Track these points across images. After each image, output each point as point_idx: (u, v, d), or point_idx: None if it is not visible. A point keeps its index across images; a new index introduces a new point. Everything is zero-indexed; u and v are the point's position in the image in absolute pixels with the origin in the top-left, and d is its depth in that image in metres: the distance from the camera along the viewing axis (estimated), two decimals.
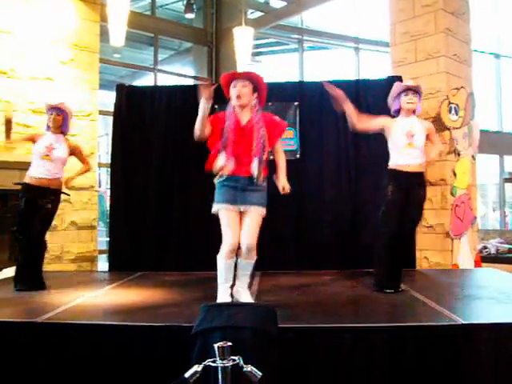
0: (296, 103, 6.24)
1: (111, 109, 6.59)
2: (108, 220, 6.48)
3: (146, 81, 10.77)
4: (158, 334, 3.19)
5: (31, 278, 4.65)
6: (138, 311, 3.76)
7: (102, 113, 7.32)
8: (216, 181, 3.76)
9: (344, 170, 6.17)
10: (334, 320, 3.39)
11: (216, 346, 1.91)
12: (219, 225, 6.13)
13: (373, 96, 6.22)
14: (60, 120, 4.79)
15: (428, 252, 6.17)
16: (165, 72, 10.09)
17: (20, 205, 4.71)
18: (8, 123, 5.23)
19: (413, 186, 4.37)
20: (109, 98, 7.21)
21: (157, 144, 6.34)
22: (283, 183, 3.77)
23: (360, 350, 3.07)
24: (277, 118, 3.99)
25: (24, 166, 5.73)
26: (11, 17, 6.15)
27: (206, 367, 1.92)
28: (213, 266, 5.92)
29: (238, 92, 3.69)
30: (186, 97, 6.47)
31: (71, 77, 6.61)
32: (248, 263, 3.76)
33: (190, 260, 6.04)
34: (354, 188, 6.14)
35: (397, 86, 4.55)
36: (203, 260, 6.05)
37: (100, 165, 8.15)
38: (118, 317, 3.65)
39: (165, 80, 9.89)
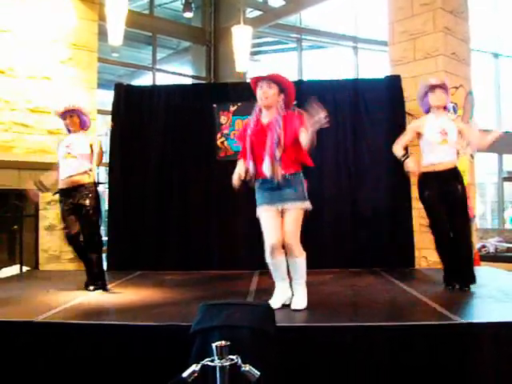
0: (294, 102, 6.22)
1: (110, 108, 6.58)
2: (107, 219, 6.47)
3: (144, 80, 10.76)
4: (156, 333, 3.19)
5: (95, 276, 4.65)
6: (137, 310, 3.76)
7: (100, 112, 7.31)
8: (254, 185, 3.80)
9: (344, 168, 6.17)
10: (334, 319, 3.39)
11: (214, 345, 1.91)
12: (218, 223, 6.18)
13: (371, 95, 6.23)
14: (76, 121, 4.75)
15: (427, 251, 6.15)
16: (163, 71, 10.08)
17: (60, 211, 4.71)
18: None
19: (448, 182, 4.35)
20: (107, 98, 7.20)
21: (155, 143, 6.34)
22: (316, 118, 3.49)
23: (360, 350, 3.07)
24: (295, 111, 3.85)
25: (23, 166, 5.75)
26: (9, 16, 6.14)
27: (203, 366, 1.91)
28: (212, 265, 5.96)
29: (263, 93, 3.72)
30: (184, 96, 6.48)
31: (69, 76, 6.59)
32: (294, 261, 3.74)
33: (188, 259, 6.04)
34: (353, 186, 6.14)
35: (422, 87, 4.52)
36: (202, 259, 6.08)
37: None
38: (116, 316, 3.65)
39: (163, 79, 9.87)
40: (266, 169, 3.62)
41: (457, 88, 6.56)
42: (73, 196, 4.61)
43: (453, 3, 6.69)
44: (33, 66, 6.27)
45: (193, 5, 10.19)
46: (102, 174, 10.00)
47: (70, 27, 6.62)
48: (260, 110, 3.81)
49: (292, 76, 10.67)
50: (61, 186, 4.69)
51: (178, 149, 6.26)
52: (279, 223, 3.70)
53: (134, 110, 6.45)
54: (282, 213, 3.71)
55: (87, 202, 4.61)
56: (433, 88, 4.41)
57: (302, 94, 6.27)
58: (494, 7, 12.80)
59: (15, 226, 5.95)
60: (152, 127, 6.39)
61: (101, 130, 6.83)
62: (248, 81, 3.94)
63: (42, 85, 6.32)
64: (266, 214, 3.71)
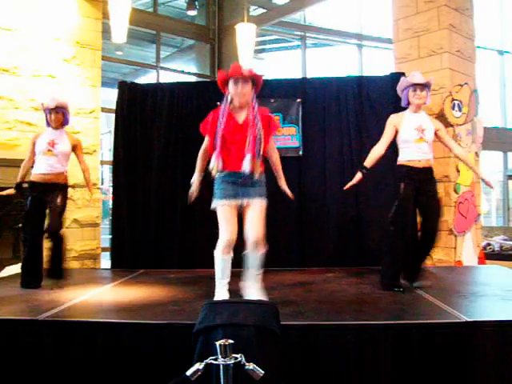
0: (298, 100, 6.22)
1: (114, 106, 6.58)
2: (111, 217, 6.47)
3: (148, 78, 10.77)
4: (160, 331, 3.18)
5: (38, 276, 4.64)
6: (141, 309, 3.75)
7: (104, 110, 7.32)
8: (215, 177, 3.79)
9: (347, 166, 6.14)
10: (338, 318, 3.38)
11: (218, 343, 1.90)
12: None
13: (376, 93, 6.20)
14: (61, 118, 4.76)
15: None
16: (167, 69, 10.07)
17: (26, 203, 4.68)
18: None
19: (424, 181, 4.31)
20: (111, 96, 7.20)
21: (159, 141, 6.33)
22: (285, 188, 3.92)
23: (364, 348, 3.06)
24: (270, 114, 4.00)
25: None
26: (13, 14, 6.14)
27: (207, 365, 1.91)
28: (214, 264, 5.94)
29: (242, 91, 3.71)
30: (188, 94, 6.47)
31: (73, 74, 6.60)
32: (256, 256, 3.75)
33: (192, 257, 6.03)
34: (357, 184, 6.10)
35: (404, 81, 4.47)
36: (205, 257, 6.04)
37: (103, 162, 8.14)
38: (120, 315, 3.64)
39: (167, 77, 9.87)
40: (247, 165, 3.63)
41: (462, 86, 6.53)
42: (45, 192, 4.61)
43: (457, 0, 6.66)
44: (37, 64, 6.28)
45: (196, 3, 10.18)
46: (106, 173, 10.04)
47: (73, 25, 6.63)
48: (230, 105, 3.78)
49: (296, 74, 10.68)
50: (33, 179, 4.68)
51: (182, 147, 6.25)
52: (236, 219, 3.74)
53: (138, 108, 6.44)
54: (244, 209, 3.74)
55: (58, 200, 4.63)
56: (415, 85, 4.35)
57: (306, 91, 6.32)
58: (499, 4, 12.74)
59: (19, 225, 5.95)
60: (156, 125, 6.38)
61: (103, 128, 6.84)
62: None
63: (46, 83, 6.33)
64: (225, 209, 3.73)
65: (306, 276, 5.23)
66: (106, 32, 6.84)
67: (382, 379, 3.04)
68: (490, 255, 8.32)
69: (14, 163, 5.79)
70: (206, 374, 1.94)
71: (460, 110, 6.50)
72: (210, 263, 6.02)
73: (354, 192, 6.10)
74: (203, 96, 6.39)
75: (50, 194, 4.62)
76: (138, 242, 6.17)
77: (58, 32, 6.48)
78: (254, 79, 3.76)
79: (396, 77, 6.31)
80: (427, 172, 4.34)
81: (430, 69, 6.41)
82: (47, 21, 6.38)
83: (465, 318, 3.18)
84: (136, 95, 6.48)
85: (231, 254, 3.77)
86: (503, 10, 12.75)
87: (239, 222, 3.80)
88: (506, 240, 9.54)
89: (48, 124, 4.80)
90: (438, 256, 6.31)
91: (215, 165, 3.69)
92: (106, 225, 8.42)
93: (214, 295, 3.80)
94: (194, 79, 10.33)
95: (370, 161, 4.42)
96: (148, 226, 6.21)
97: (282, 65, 12.05)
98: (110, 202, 6.54)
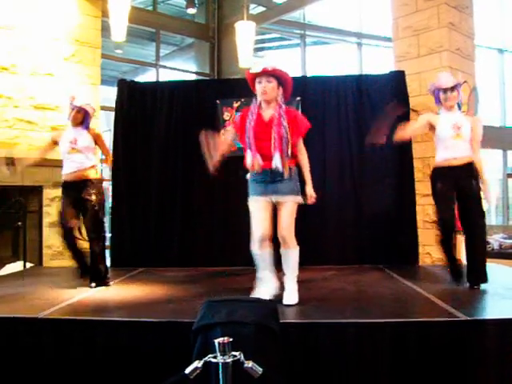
0: (298, 98, 6.21)
1: (113, 104, 6.58)
2: (110, 216, 6.47)
3: (147, 76, 10.76)
4: (159, 329, 3.18)
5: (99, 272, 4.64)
6: (140, 307, 3.75)
7: (104, 108, 7.32)
8: (248, 177, 3.84)
9: (347, 164, 6.15)
10: (337, 316, 3.38)
11: (217, 341, 1.90)
12: (221, 220, 6.16)
13: (375, 91, 6.19)
14: (80, 118, 4.70)
15: (431, 248, 6.13)
16: (167, 67, 10.07)
17: (61, 204, 4.68)
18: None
19: (462, 178, 4.26)
20: (111, 94, 7.20)
21: (158, 139, 6.33)
22: (309, 192, 3.85)
23: (364, 346, 3.06)
24: (301, 115, 4.02)
25: (26, 162, 5.74)
26: (13, 13, 6.14)
27: (206, 363, 1.91)
28: (214, 262, 5.95)
29: (263, 88, 3.73)
30: (187, 92, 6.46)
31: (73, 72, 6.60)
32: (287, 253, 3.77)
33: (191, 255, 6.03)
34: (357, 182, 6.11)
35: (432, 86, 4.48)
36: (205, 256, 6.08)
37: (102, 161, 8.13)
38: (119, 313, 3.64)
39: (167, 75, 9.87)
40: (277, 162, 3.64)
41: (461, 84, 6.52)
42: (78, 190, 4.58)
43: None
44: (36, 62, 6.28)
45: (196, 1, 10.19)
46: (106, 171, 10.02)
47: (73, 24, 6.63)
48: (260, 104, 3.82)
49: (295, 72, 10.66)
50: (65, 178, 4.67)
51: (182, 145, 6.25)
52: (269, 215, 3.75)
53: (138, 107, 6.43)
54: (275, 206, 3.75)
55: (93, 197, 4.58)
56: (445, 90, 4.35)
57: (305, 90, 6.31)
58: (499, 2, 12.72)
59: (19, 223, 5.94)
60: (155, 124, 6.38)
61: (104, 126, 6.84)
62: None
63: (46, 81, 6.33)
64: (257, 205, 3.76)
65: (306, 274, 5.20)
66: (105, 30, 6.83)
67: (382, 377, 3.04)
68: (489, 253, 8.30)
69: (14, 162, 5.79)
70: (205, 372, 1.94)
71: (459, 108, 6.48)
72: (209, 261, 6.05)
73: (354, 190, 6.12)
74: (203, 94, 6.40)
75: (82, 191, 4.57)
76: (137, 241, 6.17)
77: (58, 30, 6.48)
78: (278, 77, 3.77)
79: (395, 75, 6.34)
80: (466, 169, 4.27)
81: (429, 67, 6.41)
82: (46, 19, 6.38)
83: (464, 317, 3.18)
84: (135, 93, 6.48)
85: (268, 249, 3.78)
86: (503, 8, 12.74)
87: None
88: (505, 238, 9.55)
89: (68, 119, 4.76)
90: (437, 254, 6.30)
91: (255, 162, 3.69)
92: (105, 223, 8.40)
93: (213, 294, 3.80)
94: (193, 77, 10.33)
95: (396, 133, 4.38)
96: (148, 225, 6.21)
97: (281, 63, 11.99)
98: (110, 201, 6.53)
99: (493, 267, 5.78)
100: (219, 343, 1.89)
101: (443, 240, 4.40)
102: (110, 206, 6.48)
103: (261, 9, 10.65)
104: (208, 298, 2.83)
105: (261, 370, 1.90)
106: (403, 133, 4.44)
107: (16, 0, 6.17)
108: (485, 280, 4.30)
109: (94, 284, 4.58)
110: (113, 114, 6.59)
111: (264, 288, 3.77)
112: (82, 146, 4.64)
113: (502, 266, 5.73)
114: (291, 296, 3.73)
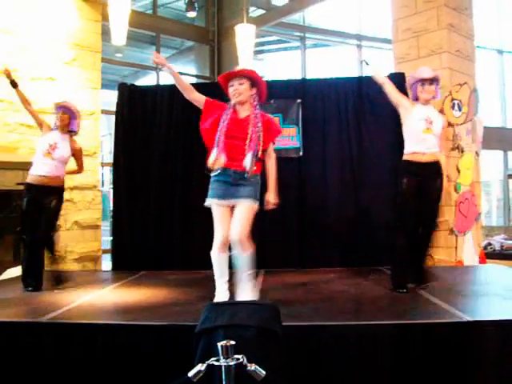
0: (298, 101, 6.23)
1: (114, 108, 6.59)
2: (111, 219, 6.48)
3: (147, 80, 10.77)
4: (161, 333, 3.18)
5: (37, 277, 4.65)
6: (142, 310, 3.76)
7: (104, 112, 7.32)
8: (211, 176, 3.78)
9: (347, 167, 6.15)
10: (339, 318, 3.38)
11: (219, 344, 1.90)
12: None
13: (376, 93, 6.15)
14: (66, 119, 4.79)
15: (432, 249, 6.14)
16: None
17: (23, 205, 4.72)
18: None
19: (429, 176, 4.26)
20: (111, 98, 7.21)
21: (159, 143, 6.34)
22: (271, 198, 3.75)
23: (366, 348, 3.06)
24: (274, 120, 4.01)
25: (27, 167, 5.75)
26: (13, 17, 6.15)
27: (209, 366, 1.91)
28: None
29: (235, 89, 3.74)
30: None
31: (73, 76, 6.61)
32: (241, 257, 3.67)
33: (193, 258, 6.03)
34: (357, 185, 6.12)
35: (411, 78, 4.47)
36: (206, 258, 6.05)
37: (103, 164, 8.15)
38: (121, 316, 3.65)
39: (167, 79, 9.86)
40: (248, 162, 3.61)
41: (461, 85, 6.53)
42: (40, 194, 4.65)
43: (456, 0, 6.67)
44: (37, 66, 6.28)
45: (196, 4, 10.18)
46: (107, 175, 10.04)
47: (73, 28, 6.64)
48: (234, 107, 3.79)
49: (296, 74, 10.68)
50: (30, 181, 4.71)
51: (182, 148, 6.26)
52: (229, 219, 3.70)
53: (138, 110, 6.45)
54: (232, 208, 3.72)
55: (53, 204, 4.68)
56: (423, 81, 4.33)
57: (305, 92, 6.32)
58: (498, 3, 12.74)
59: (20, 227, 5.95)
60: (156, 127, 6.40)
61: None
62: None
63: (47, 86, 6.33)
64: (218, 208, 3.72)
65: (307, 276, 5.23)
66: (105, 34, 6.84)
67: (383, 379, 3.04)
68: (490, 254, 8.32)
69: (15, 166, 5.81)
70: (208, 375, 1.94)
71: (460, 109, 6.51)
72: (210, 264, 6.03)
73: (354, 191, 6.12)
74: None
75: (45, 197, 4.66)
76: (138, 244, 6.18)
77: (58, 34, 6.49)
78: (250, 78, 3.76)
79: (396, 77, 6.32)
80: (432, 167, 4.27)
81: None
82: (47, 23, 6.39)
83: (466, 318, 3.18)
84: (136, 97, 6.49)
85: (227, 253, 3.74)
86: (502, 9, 12.75)
87: None
88: (506, 239, 9.55)
89: (55, 127, 4.82)
90: (438, 256, 6.31)
91: (218, 160, 3.64)
92: (106, 226, 8.41)
93: (214, 297, 3.80)
94: (193, 81, 10.33)
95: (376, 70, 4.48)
96: (148, 228, 6.22)
97: (281, 65, 12.05)
98: (111, 204, 6.54)
99: (494, 268, 5.81)
100: (222, 346, 1.89)
101: (402, 243, 4.29)
102: (111, 209, 6.49)
103: (260, 11, 10.66)
104: (210, 300, 2.83)
105: (264, 372, 1.90)
106: (384, 79, 4.46)
107: (17, 4, 6.18)
108: (427, 280, 4.34)
109: (31, 288, 4.58)
110: (113, 117, 6.60)
111: (224, 295, 3.76)
112: (58, 156, 4.71)
113: (503, 267, 5.73)
114: (250, 295, 3.70)
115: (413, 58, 6.68)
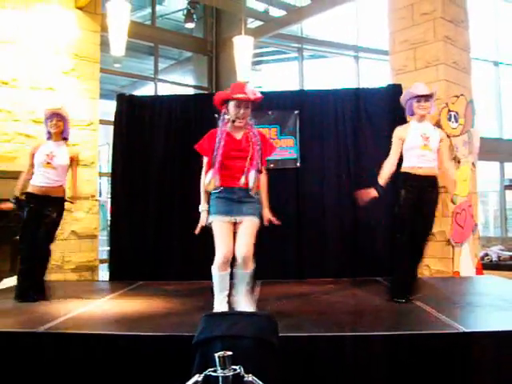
0: (296, 112, 6.25)
1: (112, 118, 6.60)
2: (109, 229, 6.48)
3: (146, 90, 10.81)
4: (159, 343, 3.18)
5: (32, 288, 4.63)
6: (139, 321, 3.75)
7: (102, 122, 7.33)
8: (211, 193, 3.79)
9: (345, 177, 6.17)
10: (336, 329, 3.38)
11: (217, 355, 1.91)
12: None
13: (373, 104, 6.23)
14: (61, 126, 4.77)
15: (429, 260, 6.15)
16: (165, 81, 10.12)
17: (23, 214, 4.69)
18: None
19: (426, 189, 4.32)
20: (109, 108, 7.23)
21: (157, 153, 6.35)
22: (266, 215, 3.81)
23: (362, 359, 3.06)
24: (267, 138, 4.12)
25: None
26: (12, 27, 6.18)
27: (206, 377, 1.91)
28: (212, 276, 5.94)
29: (243, 114, 3.73)
30: (185, 106, 6.50)
31: (72, 87, 6.63)
32: (245, 274, 3.74)
33: (190, 269, 6.02)
34: (355, 196, 6.12)
35: (406, 94, 4.52)
36: (203, 269, 6.03)
37: (101, 174, 8.16)
38: (118, 327, 3.64)
39: (165, 89, 9.92)
40: (252, 179, 3.64)
41: (458, 97, 6.57)
42: (41, 204, 4.63)
43: (453, 12, 6.73)
44: (36, 76, 6.31)
45: (194, 15, 10.25)
46: (104, 185, 10.04)
47: (72, 38, 6.66)
48: (227, 124, 3.79)
49: (293, 85, 10.74)
50: (31, 190, 4.69)
51: (180, 159, 6.27)
52: (232, 235, 3.71)
53: (136, 120, 6.46)
54: (236, 225, 3.72)
55: (54, 214, 4.67)
56: (419, 97, 4.38)
57: (303, 103, 6.35)
58: (494, 16, 12.84)
59: (17, 237, 5.95)
60: (154, 137, 6.40)
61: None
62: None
63: (45, 95, 6.35)
64: (220, 225, 3.71)
65: (304, 287, 5.23)
66: (104, 44, 6.87)
67: None
68: (487, 265, 8.32)
69: (13, 175, 5.80)
70: None
71: (456, 121, 6.54)
72: (208, 275, 6.02)
73: (352, 202, 6.13)
74: (201, 108, 6.42)
75: (46, 207, 4.64)
76: (136, 254, 6.16)
77: (57, 45, 6.52)
78: (254, 103, 3.77)
79: (393, 88, 6.38)
80: (429, 181, 4.33)
81: (426, 80, 6.42)
82: (46, 34, 6.42)
83: (462, 329, 3.19)
84: (134, 107, 6.51)
85: (228, 270, 3.73)
86: (498, 21, 12.85)
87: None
88: (503, 250, 9.56)
89: (48, 137, 4.81)
90: (435, 267, 6.33)
91: (212, 181, 3.67)
92: (104, 236, 8.40)
93: (212, 307, 3.80)
94: (191, 91, 10.39)
95: (383, 177, 4.40)
96: (146, 238, 6.21)
97: (279, 76, 12.12)
98: (108, 214, 6.54)
99: (491, 279, 5.81)
100: (219, 357, 1.90)
101: (402, 253, 4.35)
102: (109, 219, 6.49)
103: (258, 23, 10.73)
104: (207, 311, 2.83)
105: (261, 383, 1.91)
106: (391, 169, 4.43)
107: (16, 14, 6.22)
108: (413, 293, 4.35)
109: (36, 297, 4.57)
110: (111, 127, 6.62)
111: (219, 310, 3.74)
112: (58, 163, 4.69)
113: (500, 278, 5.74)
114: (247, 308, 3.70)
115: (410, 70, 6.72)
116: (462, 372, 3.01)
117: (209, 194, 3.81)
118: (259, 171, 3.73)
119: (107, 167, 8.51)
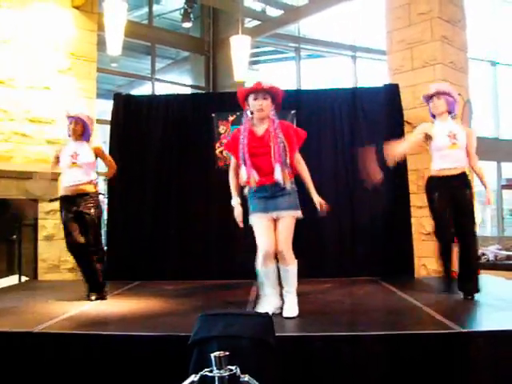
0: (293, 111, 6.24)
1: (109, 118, 6.59)
2: (106, 229, 6.46)
3: (143, 90, 10.78)
4: (155, 343, 3.18)
5: (98, 287, 4.64)
6: (136, 321, 3.75)
7: (99, 122, 7.31)
8: (247, 193, 3.85)
9: (342, 177, 6.17)
10: (333, 328, 3.38)
11: (213, 355, 1.90)
12: (217, 233, 6.16)
13: (370, 104, 6.23)
14: (79, 129, 4.74)
15: (426, 259, 6.15)
16: (162, 81, 10.10)
17: (61, 218, 4.68)
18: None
19: (457, 188, 4.33)
20: (106, 107, 7.21)
21: (154, 153, 6.34)
22: (317, 200, 3.90)
23: (359, 359, 3.06)
24: (294, 127, 4.10)
25: (22, 175, 5.75)
26: (9, 26, 6.16)
27: (202, 377, 1.90)
28: (211, 275, 5.94)
29: (260, 105, 3.76)
30: (183, 105, 6.49)
31: (69, 86, 6.61)
32: (286, 269, 3.77)
33: (187, 269, 6.02)
34: (352, 195, 6.13)
35: (423, 97, 4.59)
36: (201, 269, 6.06)
37: (98, 174, 8.11)
38: (115, 327, 3.63)
39: (162, 89, 9.90)
40: (278, 174, 3.67)
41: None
42: (77, 203, 4.61)
43: (450, 12, 6.73)
44: (32, 76, 6.29)
45: (192, 15, 10.23)
46: (101, 184, 10.00)
47: (69, 37, 6.65)
48: (252, 120, 3.84)
49: (290, 85, 10.72)
50: (64, 193, 4.68)
51: (177, 158, 6.27)
52: (272, 231, 3.74)
53: (133, 120, 6.46)
54: (275, 221, 3.75)
55: (92, 210, 4.63)
56: (429, 97, 4.44)
57: (300, 103, 6.34)
58: (492, 16, 12.85)
59: (14, 236, 5.93)
60: (151, 137, 6.40)
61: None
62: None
63: (42, 95, 6.34)
64: (260, 222, 3.75)
65: (301, 287, 5.19)
66: (101, 44, 6.86)
67: None
68: (484, 265, 8.31)
69: (9, 174, 5.80)
70: None
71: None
72: (206, 274, 6.04)
73: (350, 202, 6.13)
74: (198, 107, 6.43)
75: (81, 205, 4.61)
76: (133, 254, 6.15)
77: (54, 44, 6.50)
78: (272, 93, 3.81)
79: (390, 88, 6.39)
80: (460, 179, 4.35)
81: (423, 80, 6.46)
82: (43, 33, 6.40)
83: (459, 329, 3.19)
84: (131, 107, 6.50)
85: (272, 266, 3.77)
86: (495, 21, 12.86)
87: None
88: (500, 250, 9.55)
89: (69, 136, 4.79)
90: (432, 266, 6.32)
91: (250, 178, 3.71)
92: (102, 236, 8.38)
93: (209, 307, 3.80)
94: (188, 91, 10.37)
95: (394, 155, 4.44)
96: (143, 238, 6.20)
97: (276, 76, 12.10)
98: (105, 214, 6.52)
99: (488, 279, 5.80)
100: (215, 357, 1.89)
101: (442, 251, 4.46)
102: (106, 219, 6.47)
103: (256, 22, 10.71)
104: (204, 311, 2.82)
105: (257, 383, 1.90)
106: (400, 149, 4.47)
107: (12, 13, 6.20)
108: (477, 290, 4.32)
109: (94, 297, 4.58)
110: (108, 127, 6.60)
111: (267, 305, 3.77)
112: (83, 161, 4.67)
113: (497, 278, 5.75)
114: (292, 309, 3.74)
115: (407, 70, 6.72)
116: (460, 371, 3.02)
117: (240, 187, 3.85)
118: (286, 165, 3.72)
119: (104, 166, 8.46)
